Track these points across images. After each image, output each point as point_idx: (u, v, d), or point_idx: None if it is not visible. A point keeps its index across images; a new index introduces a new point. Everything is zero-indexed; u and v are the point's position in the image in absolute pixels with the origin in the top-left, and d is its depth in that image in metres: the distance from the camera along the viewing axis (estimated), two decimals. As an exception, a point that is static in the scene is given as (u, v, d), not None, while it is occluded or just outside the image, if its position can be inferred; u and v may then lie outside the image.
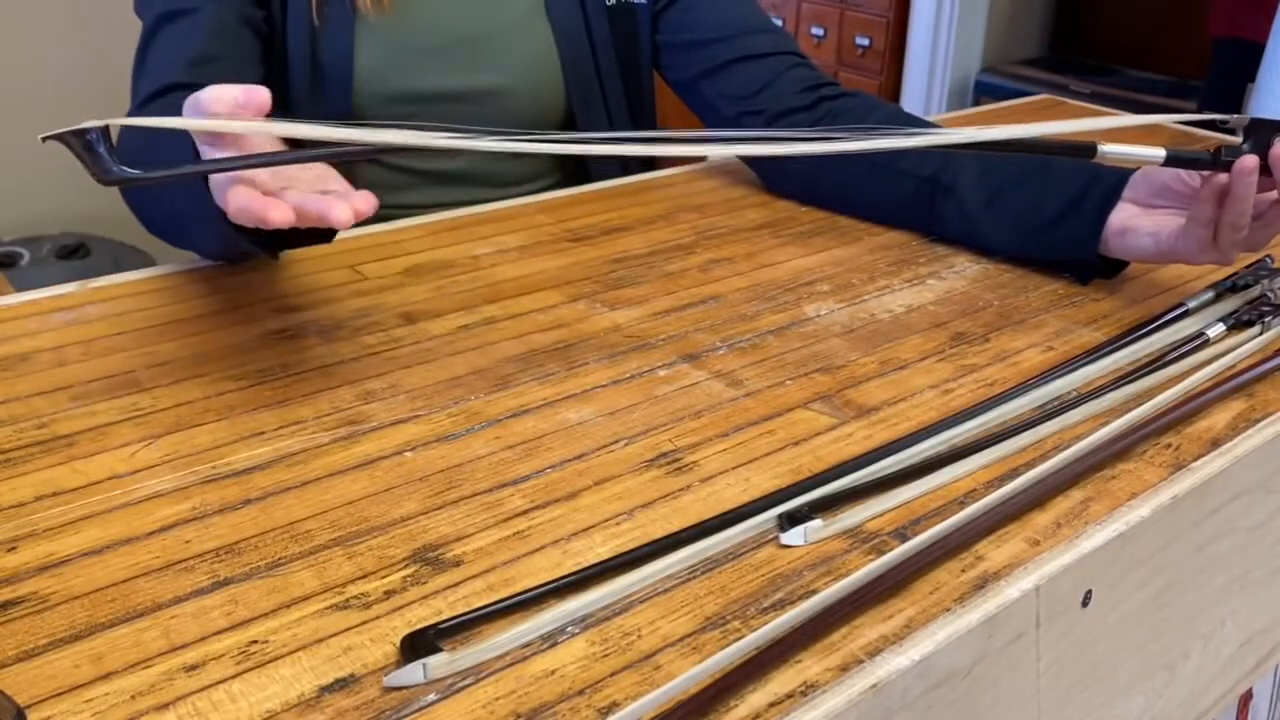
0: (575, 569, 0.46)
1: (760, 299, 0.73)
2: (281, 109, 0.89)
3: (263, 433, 0.56)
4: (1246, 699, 0.77)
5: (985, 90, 2.89)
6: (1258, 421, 0.58)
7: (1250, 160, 0.61)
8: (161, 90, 0.77)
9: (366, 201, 0.52)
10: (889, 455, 0.54)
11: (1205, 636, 0.59)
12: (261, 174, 0.53)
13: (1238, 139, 0.63)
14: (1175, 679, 0.58)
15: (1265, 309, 0.68)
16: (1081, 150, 0.62)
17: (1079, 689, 0.51)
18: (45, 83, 2.16)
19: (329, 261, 0.78)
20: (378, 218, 0.88)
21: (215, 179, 0.54)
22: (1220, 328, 0.66)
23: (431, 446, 0.55)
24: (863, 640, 0.42)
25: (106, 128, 0.50)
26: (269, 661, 0.41)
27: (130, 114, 0.77)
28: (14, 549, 0.47)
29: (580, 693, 0.40)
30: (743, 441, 0.56)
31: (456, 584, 0.45)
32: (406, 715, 0.39)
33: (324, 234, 0.62)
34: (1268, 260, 0.73)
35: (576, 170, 1.01)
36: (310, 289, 0.73)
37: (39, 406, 0.58)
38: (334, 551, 0.47)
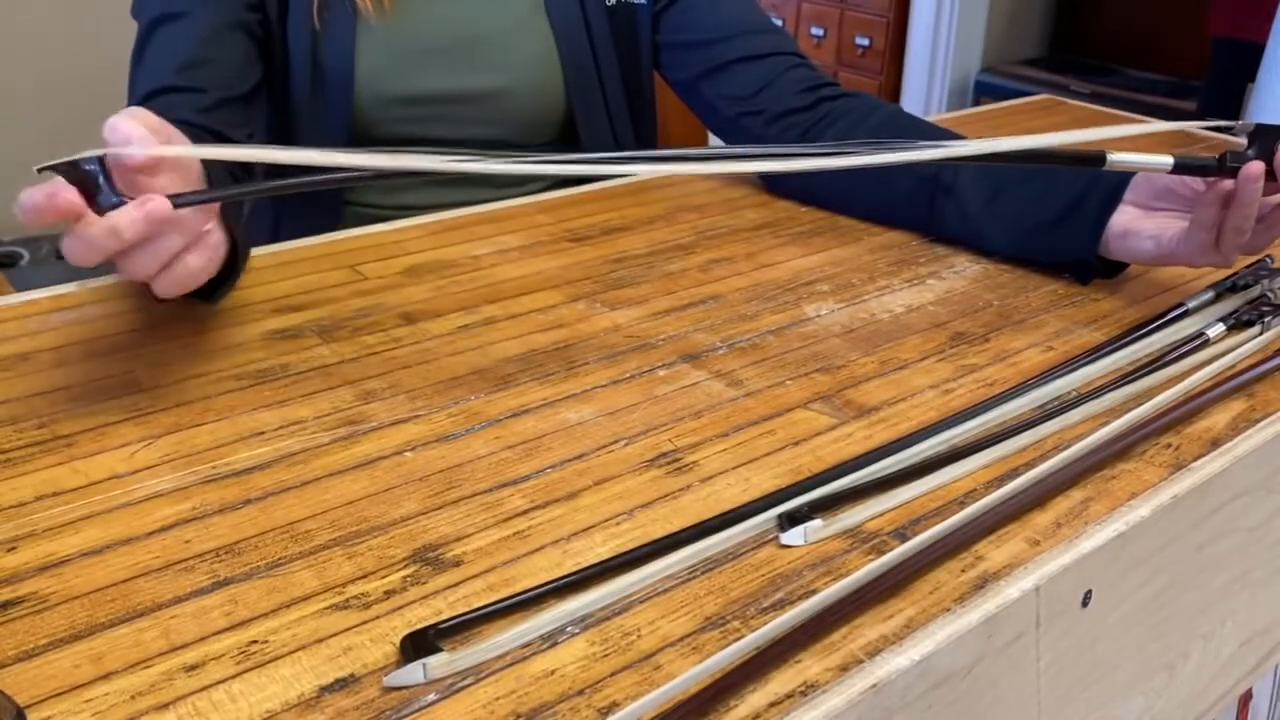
0: (575, 569, 0.46)
1: (760, 299, 0.73)
2: (283, 112, 0.90)
3: (263, 433, 0.56)
4: (1246, 699, 0.77)
5: (985, 90, 2.90)
6: (1258, 421, 0.58)
7: (1257, 166, 0.62)
8: (155, 93, 0.78)
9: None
10: (889, 455, 0.54)
11: (1205, 636, 0.59)
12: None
13: (1241, 142, 0.64)
14: (1175, 679, 0.58)
15: (1265, 309, 0.68)
16: (1090, 160, 0.62)
17: (1079, 689, 0.51)
18: (45, 82, 2.16)
19: (329, 261, 0.78)
20: (378, 218, 0.88)
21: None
22: (1220, 328, 0.66)
23: (431, 446, 0.55)
24: (863, 640, 0.42)
25: (103, 158, 0.49)
26: (269, 661, 0.41)
27: None
28: (14, 549, 0.47)
29: (580, 693, 0.40)
30: (743, 441, 0.56)
31: (456, 584, 0.45)
32: (406, 715, 0.39)
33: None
34: (1268, 260, 0.73)
35: None
36: (310, 289, 0.73)
37: (39, 406, 0.58)
38: (334, 551, 0.47)
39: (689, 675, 0.39)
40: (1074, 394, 0.61)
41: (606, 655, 0.42)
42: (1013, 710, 0.47)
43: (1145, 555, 0.51)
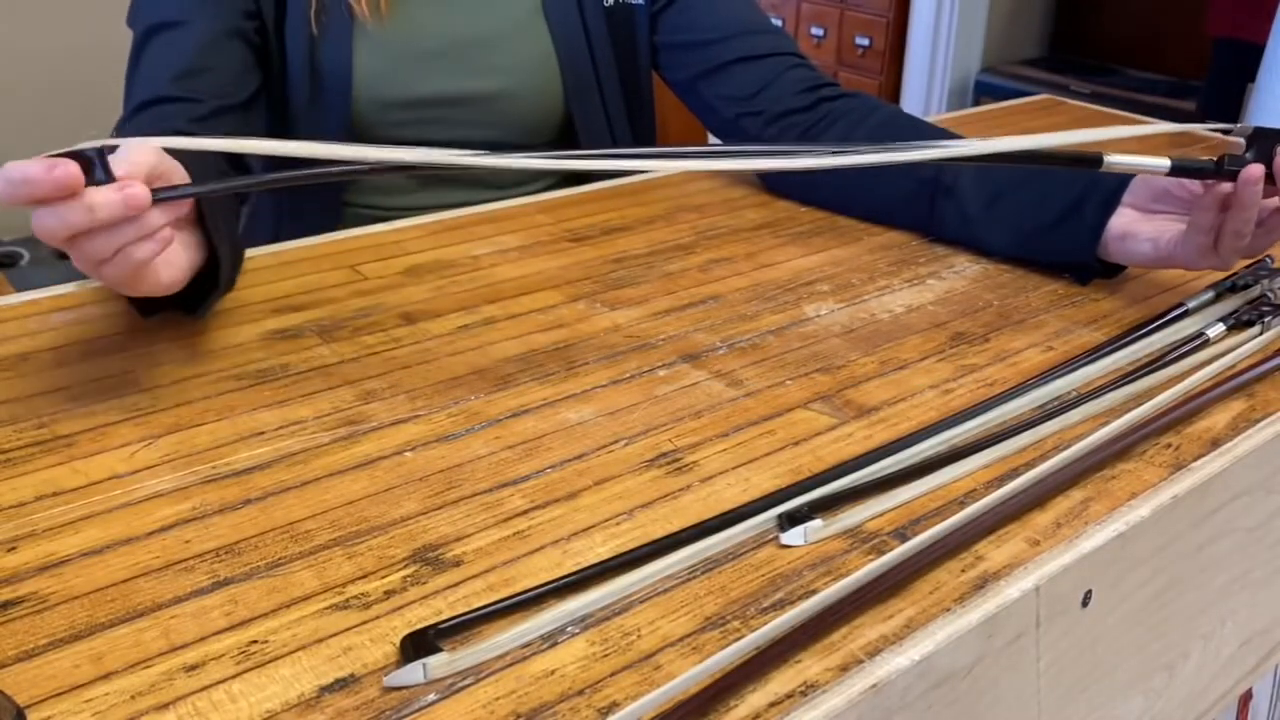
0: (575, 569, 0.46)
1: (760, 299, 0.73)
2: (281, 119, 0.90)
3: (263, 433, 0.56)
4: (1246, 699, 0.77)
5: (985, 90, 2.89)
6: (1258, 421, 0.58)
7: (1256, 169, 0.62)
8: (151, 102, 0.77)
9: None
10: (889, 455, 0.54)
11: (1205, 636, 0.59)
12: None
13: (1240, 144, 0.63)
14: (1175, 679, 0.58)
15: (1265, 309, 0.68)
16: (1087, 161, 0.62)
17: (1079, 689, 0.51)
18: (46, 83, 2.16)
19: (329, 261, 0.78)
20: (378, 218, 0.88)
21: None
22: (1220, 328, 0.66)
23: (431, 446, 0.55)
24: (863, 640, 0.42)
25: (103, 149, 0.50)
26: (269, 661, 0.41)
27: (122, 122, 0.78)
28: (14, 549, 0.47)
29: (580, 693, 0.40)
30: (743, 441, 0.56)
31: (456, 584, 0.45)
32: (406, 715, 0.39)
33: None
34: (1267, 260, 0.73)
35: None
36: (310, 289, 0.73)
37: (39, 406, 0.58)
38: (334, 551, 0.47)
39: (689, 675, 0.39)
40: (1074, 394, 0.61)
41: (606, 655, 0.42)
42: (1013, 710, 0.47)
43: (1145, 555, 0.51)
